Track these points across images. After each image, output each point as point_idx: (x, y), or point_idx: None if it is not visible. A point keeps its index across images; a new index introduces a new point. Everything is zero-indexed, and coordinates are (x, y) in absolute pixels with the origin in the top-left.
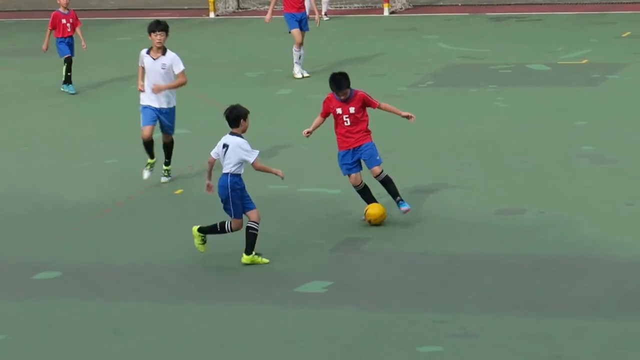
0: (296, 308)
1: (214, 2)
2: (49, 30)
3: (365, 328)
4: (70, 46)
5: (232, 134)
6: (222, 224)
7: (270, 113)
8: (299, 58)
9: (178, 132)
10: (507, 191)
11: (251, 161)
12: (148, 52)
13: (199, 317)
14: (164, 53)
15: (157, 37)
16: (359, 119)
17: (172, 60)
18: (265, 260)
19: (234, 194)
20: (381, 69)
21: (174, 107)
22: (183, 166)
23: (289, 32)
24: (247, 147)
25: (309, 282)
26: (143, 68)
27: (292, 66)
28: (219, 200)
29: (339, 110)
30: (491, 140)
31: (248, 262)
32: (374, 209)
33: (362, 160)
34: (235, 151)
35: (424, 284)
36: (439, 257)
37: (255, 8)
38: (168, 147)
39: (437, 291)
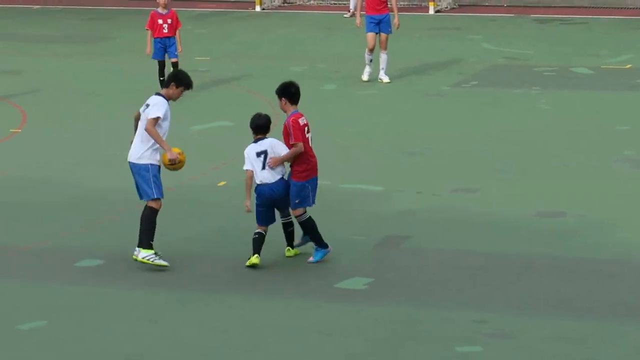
0: (335, 303)
1: None
2: (149, 32)
3: (403, 325)
4: (167, 48)
5: (259, 139)
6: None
7: (315, 108)
8: (370, 61)
9: (221, 125)
10: (548, 193)
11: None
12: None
13: (236, 308)
14: None
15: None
16: (286, 142)
17: None
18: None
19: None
20: (425, 67)
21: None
22: (226, 158)
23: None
24: (282, 144)
25: (350, 278)
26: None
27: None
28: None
29: None
30: (533, 142)
31: (293, 255)
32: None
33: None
34: (275, 151)
35: (463, 283)
36: (479, 256)
37: (300, 2)
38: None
39: (476, 290)
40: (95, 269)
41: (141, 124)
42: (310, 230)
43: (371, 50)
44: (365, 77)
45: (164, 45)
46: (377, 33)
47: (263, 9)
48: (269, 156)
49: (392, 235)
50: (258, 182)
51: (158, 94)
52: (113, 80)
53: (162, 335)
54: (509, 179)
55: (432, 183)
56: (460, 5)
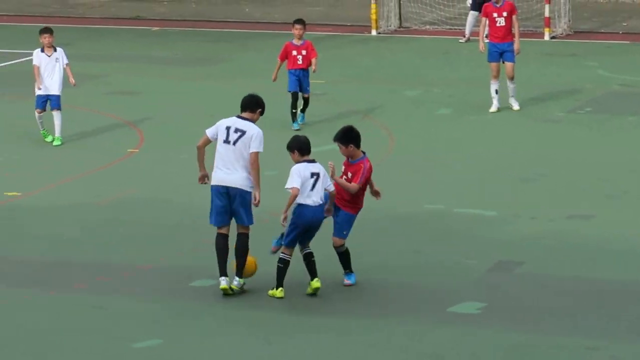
0: (448, 327)
1: (376, 20)
2: (279, 62)
3: (517, 350)
4: (301, 80)
5: (311, 161)
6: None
7: (429, 132)
8: (496, 92)
9: (335, 148)
10: None
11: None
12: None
13: (349, 330)
14: None
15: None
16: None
17: None
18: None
19: None
20: (539, 93)
21: None
22: None
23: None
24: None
25: (462, 302)
26: None
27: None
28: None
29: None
30: None
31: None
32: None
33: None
34: (327, 176)
35: (576, 309)
36: (592, 282)
37: (417, 27)
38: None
39: (589, 317)
40: (210, 288)
41: (238, 150)
42: (347, 258)
43: (496, 79)
44: (493, 108)
45: (298, 77)
46: (499, 62)
47: (379, 33)
48: (320, 180)
49: (505, 261)
50: (302, 202)
51: (244, 118)
52: (230, 103)
53: (276, 356)
54: (624, 206)
55: (547, 209)
56: (575, 32)
